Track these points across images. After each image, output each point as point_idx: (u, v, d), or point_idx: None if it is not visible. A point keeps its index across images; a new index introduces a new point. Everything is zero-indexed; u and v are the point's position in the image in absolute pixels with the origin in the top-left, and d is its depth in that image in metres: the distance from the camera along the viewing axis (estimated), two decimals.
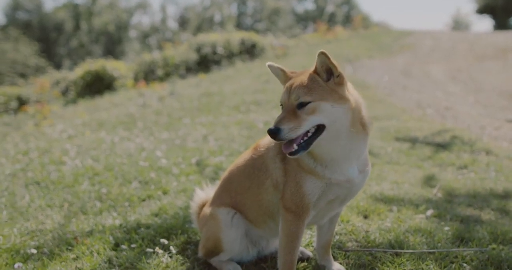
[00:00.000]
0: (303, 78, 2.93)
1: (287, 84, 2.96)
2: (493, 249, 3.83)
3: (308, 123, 2.80)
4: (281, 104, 2.92)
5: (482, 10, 54.61)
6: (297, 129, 2.77)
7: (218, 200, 3.60)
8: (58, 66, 44.66)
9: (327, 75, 2.91)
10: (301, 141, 2.82)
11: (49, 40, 54.99)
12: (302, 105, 2.82)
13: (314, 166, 3.01)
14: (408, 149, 7.41)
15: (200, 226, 3.73)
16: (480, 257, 3.66)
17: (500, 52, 21.63)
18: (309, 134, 2.83)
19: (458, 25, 72.16)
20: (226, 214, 3.45)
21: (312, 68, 2.95)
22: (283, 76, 3.07)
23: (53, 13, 59.29)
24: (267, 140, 3.35)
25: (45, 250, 4.10)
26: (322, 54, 2.83)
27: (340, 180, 3.01)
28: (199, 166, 6.46)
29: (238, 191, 3.47)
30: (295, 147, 2.80)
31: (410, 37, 27.14)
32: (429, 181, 5.85)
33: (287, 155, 2.83)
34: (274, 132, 2.74)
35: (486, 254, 3.70)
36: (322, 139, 2.86)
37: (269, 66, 3.08)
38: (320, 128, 2.83)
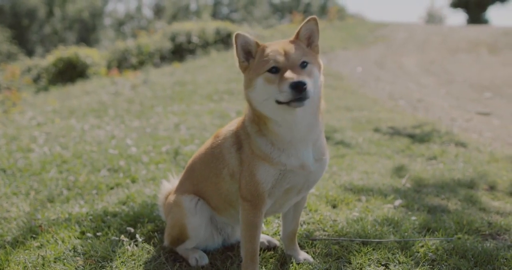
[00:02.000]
0: (289, 43, 2.93)
1: (273, 49, 2.89)
2: (459, 238, 3.87)
3: (312, 84, 2.79)
4: (274, 67, 2.81)
5: (456, 4, 55.14)
6: (312, 89, 2.76)
7: (181, 188, 3.58)
8: (30, 53, 43.95)
9: (307, 43, 2.97)
10: None
11: (21, 27, 53.92)
12: (303, 65, 2.82)
13: (270, 151, 2.99)
14: (379, 139, 7.45)
15: (165, 215, 3.71)
16: (446, 246, 3.69)
17: (472, 45, 21.88)
18: None
19: (432, 18, 72.68)
20: (189, 200, 3.43)
21: (292, 38, 2.98)
22: (255, 46, 2.97)
23: None
24: (225, 130, 3.34)
25: (9, 238, 4.02)
26: (313, 20, 2.94)
27: (294, 166, 3.00)
28: (170, 155, 6.41)
29: (199, 178, 3.46)
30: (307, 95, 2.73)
31: (385, 29, 27.31)
32: (398, 171, 5.89)
33: (297, 103, 2.73)
34: (303, 84, 2.67)
35: (452, 243, 3.73)
36: (297, 112, 2.84)
37: (238, 35, 2.95)
38: None
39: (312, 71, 2.86)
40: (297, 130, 2.93)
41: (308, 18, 2.97)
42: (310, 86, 2.72)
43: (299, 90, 2.67)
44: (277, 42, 3.00)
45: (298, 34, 2.99)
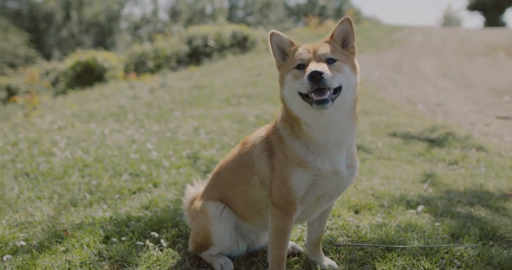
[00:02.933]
0: (321, 43, 2.99)
1: (303, 47, 2.95)
2: (483, 245, 3.85)
3: (337, 79, 2.80)
4: (301, 64, 2.86)
5: (473, 7, 54.72)
6: (333, 80, 2.77)
7: (207, 194, 3.59)
8: (48, 56, 44.33)
9: (342, 44, 3.01)
10: (330, 94, 2.77)
11: (39, 30, 54.47)
12: (329, 62, 2.85)
13: (305, 155, 3.00)
14: (399, 144, 7.42)
15: (190, 220, 3.72)
16: (471, 253, 3.67)
17: (490, 48, 21.71)
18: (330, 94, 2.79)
19: (449, 21, 72.31)
20: (215, 208, 3.44)
21: (327, 38, 3.02)
22: (289, 45, 3.02)
23: (43, 2, 58.62)
24: (254, 136, 3.35)
25: (34, 242, 4.07)
26: (347, 20, 2.97)
27: (328, 171, 3.00)
28: (190, 159, 6.43)
29: (226, 186, 3.46)
30: (328, 94, 2.74)
31: (401, 33, 27.17)
32: (420, 176, 5.87)
33: (318, 106, 2.74)
34: (320, 74, 2.68)
35: (477, 250, 3.71)
36: (328, 112, 2.86)
37: (273, 34, 3.01)
38: (336, 91, 2.83)
39: (341, 68, 2.86)
40: (331, 133, 2.94)
41: (341, 19, 3.01)
42: (329, 76, 2.73)
43: (315, 80, 2.69)
44: (313, 43, 3.04)
45: (332, 35, 3.03)
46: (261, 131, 3.32)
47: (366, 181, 5.58)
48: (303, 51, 2.91)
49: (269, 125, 3.29)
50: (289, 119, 3.03)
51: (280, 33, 3.02)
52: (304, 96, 2.82)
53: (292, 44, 3.02)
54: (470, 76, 16.09)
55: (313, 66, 2.74)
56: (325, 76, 2.69)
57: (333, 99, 2.78)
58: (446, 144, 7.47)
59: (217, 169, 3.63)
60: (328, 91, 2.74)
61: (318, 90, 2.72)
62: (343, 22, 2.99)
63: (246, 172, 3.29)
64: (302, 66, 2.86)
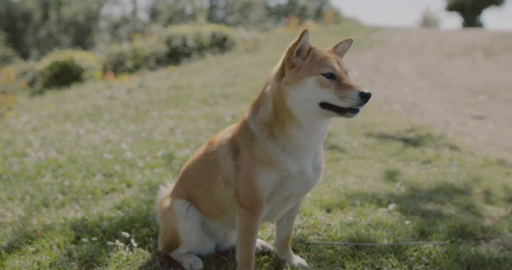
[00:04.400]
0: (334, 54, 3.08)
1: (327, 55, 2.97)
2: (452, 242, 3.90)
3: None
4: (330, 73, 2.88)
5: (451, 8, 55.32)
6: None
7: (175, 193, 3.60)
8: (25, 56, 43.87)
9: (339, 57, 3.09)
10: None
11: (16, 30, 53.83)
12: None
13: (278, 155, 3.01)
14: (374, 144, 7.48)
15: (160, 219, 3.72)
16: (439, 250, 3.72)
17: (468, 49, 21.97)
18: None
19: (428, 22, 72.97)
20: (181, 205, 3.45)
21: (330, 49, 3.12)
22: (309, 47, 2.99)
23: (21, 2, 58.07)
24: (220, 137, 3.35)
25: (4, 243, 4.02)
26: (351, 41, 3.17)
27: (296, 172, 3.02)
28: (165, 159, 6.42)
29: (192, 184, 3.47)
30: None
31: (380, 33, 27.39)
32: (393, 175, 5.92)
33: (352, 114, 2.85)
34: (370, 95, 2.78)
35: (445, 247, 3.76)
36: (324, 119, 2.96)
37: (306, 32, 2.95)
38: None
39: None
40: (314, 137, 2.99)
41: (348, 38, 3.16)
42: None
43: (366, 101, 2.78)
44: (325, 49, 3.08)
45: (336, 47, 3.13)
46: (227, 133, 3.32)
47: (339, 180, 5.62)
48: (331, 60, 2.94)
49: (234, 126, 3.28)
50: (272, 120, 3.02)
51: (309, 33, 3.00)
52: (324, 104, 2.86)
53: (310, 46, 3.00)
54: (448, 77, 16.27)
55: (360, 86, 2.83)
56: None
57: None
58: (421, 143, 7.54)
59: (184, 167, 3.64)
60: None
61: (356, 109, 2.85)
62: (348, 41, 3.15)
63: (211, 172, 3.29)
64: (330, 75, 2.87)
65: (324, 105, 2.85)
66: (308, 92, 2.87)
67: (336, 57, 2.99)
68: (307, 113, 2.90)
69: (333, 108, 2.84)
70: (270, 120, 3.03)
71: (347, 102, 2.79)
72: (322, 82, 2.85)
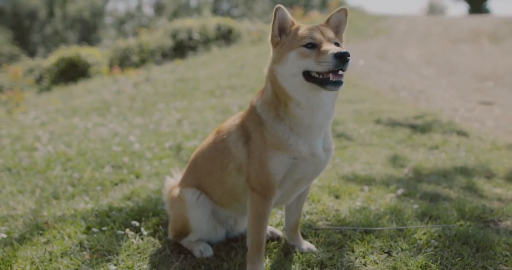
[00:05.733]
0: (323, 26, 3.06)
1: (309, 27, 2.99)
2: (461, 225, 3.90)
3: None
4: (310, 43, 2.88)
5: None
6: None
7: (184, 182, 3.61)
8: (32, 54, 43.92)
9: (334, 31, 3.07)
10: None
11: (22, 28, 53.93)
12: (336, 45, 2.94)
13: (288, 136, 3.02)
14: (381, 130, 7.48)
15: (169, 208, 3.75)
16: (448, 233, 3.72)
17: (474, 35, 21.83)
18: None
19: (434, 9, 72.49)
20: (191, 194, 3.46)
21: (323, 23, 3.11)
22: (291, 24, 3.03)
23: (27, 0, 58.18)
24: (228, 124, 3.36)
25: (16, 235, 4.06)
26: (344, 11, 3.11)
27: (307, 153, 3.02)
28: (173, 150, 6.45)
29: (202, 173, 3.48)
30: (343, 77, 2.81)
31: (386, 22, 27.24)
32: (400, 161, 5.92)
33: (333, 86, 2.79)
34: (348, 54, 2.73)
35: (454, 230, 3.76)
36: (322, 93, 2.92)
37: (279, 8, 2.99)
38: None
39: None
40: (318, 114, 2.98)
41: (339, 9, 3.11)
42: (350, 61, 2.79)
43: (344, 60, 2.73)
44: (312, 25, 3.07)
45: (328, 21, 3.11)
46: (235, 119, 3.33)
47: (347, 167, 5.63)
48: (311, 30, 2.94)
49: (243, 113, 3.30)
50: (275, 100, 3.04)
51: (285, 10, 3.02)
52: (308, 76, 2.86)
53: (293, 23, 3.04)
54: (454, 63, 16.19)
55: (336, 47, 2.81)
56: (350, 59, 2.75)
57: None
58: (428, 129, 7.53)
59: (193, 156, 3.65)
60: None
61: (335, 72, 2.78)
62: (340, 11, 3.10)
63: (222, 160, 3.30)
64: (311, 46, 2.88)
65: (308, 77, 2.86)
66: (292, 66, 2.90)
67: (321, 28, 2.99)
68: (297, 89, 2.92)
69: (316, 80, 2.83)
70: (273, 101, 3.05)
71: (324, 66, 2.77)
72: (303, 53, 2.87)
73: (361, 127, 7.67)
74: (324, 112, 3.00)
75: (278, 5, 3.01)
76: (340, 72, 2.78)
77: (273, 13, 3.00)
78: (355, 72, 13.65)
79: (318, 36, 2.91)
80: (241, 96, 10.37)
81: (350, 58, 2.76)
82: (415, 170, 5.56)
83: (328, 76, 2.79)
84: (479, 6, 52.03)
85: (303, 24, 3.07)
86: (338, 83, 2.78)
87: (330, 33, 2.98)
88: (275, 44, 3.05)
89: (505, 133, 7.59)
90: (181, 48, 21.32)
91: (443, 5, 74.68)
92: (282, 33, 3.03)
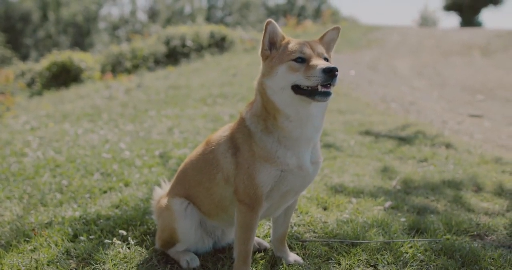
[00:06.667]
0: (314, 41, 3.10)
1: (299, 42, 3.02)
2: (447, 239, 3.93)
3: None
4: (300, 57, 2.92)
5: (449, 7, 55.35)
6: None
7: (173, 191, 3.62)
8: (24, 57, 43.85)
9: (325, 47, 3.12)
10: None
11: (15, 31, 53.80)
12: (326, 61, 2.97)
13: (276, 149, 3.04)
14: (371, 142, 7.51)
15: (157, 218, 3.75)
16: (434, 247, 3.75)
17: (465, 48, 22.00)
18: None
19: (426, 21, 72.89)
20: (179, 204, 3.47)
21: (317, 39, 3.16)
22: (281, 38, 3.07)
23: (20, 2, 57.98)
24: (218, 135, 3.38)
25: (2, 241, 4.04)
26: (338, 29, 3.16)
27: (295, 166, 3.05)
28: (163, 158, 6.45)
29: (191, 184, 3.49)
30: (332, 89, 2.85)
31: (378, 32, 27.41)
32: (389, 173, 5.95)
33: (322, 97, 2.83)
34: (337, 69, 2.78)
35: (440, 244, 3.79)
36: (311, 107, 2.95)
37: (270, 22, 3.03)
38: None
39: None
40: (307, 127, 3.01)
41: (334, 27, 3.17)
42: (339, 75, 2.83)
43: (332, 75, 2.77)
44: (303, 40, 3.11)
45: (322, 37, 3.17)
46: (225, 131, 3.36)
47: (336, 178, 5.65)
48: (301, 45, 2.98)
49: (233, 124, 3.33)
50: (264, 113, 3.07)
51: (276, 24, 3.06)
52: (297, 88, 2.88)
53: (283, 37, 3.08)
54: (445, 76, 16.30)
55: (325, 63, 2.85)
56: (338, 75, 2.80)
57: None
58: (417, 141, 7.57)
59: (182, 167, 3.66)
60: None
61: (325, 92, 2.83)
62: (335, 29, 3.16)
63: (210, 170, 3.32)
64: (301, 60, 2.92)
65: (297, 90, 2.89)
66: (281, 79, 2.93)
67: (311, 43, 3.03)
68: (286, 102, 2.95)
69: (305, 92, 2.86)
70: (262, 114, 3.08)
71: (313, 81, 2.81)
72: (292, 67, 2.92)
73: (351, 138, 7.70)
74: (312, 126, 3.03)
75: (269, 19, 3.04)
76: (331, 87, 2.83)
77: (264, 27, 3.03)
78: (346, 83, 13.70)
79: (307, 50, 2.94)
80: (232, 105, 10.39)
81: (339, 73, 2.80)
82: (404, 182, 5.59)
83: (317, 87, 2.82)
84: (471, 19, 52.48)
85: (293, 38, 3.10)
86: (327, 94, 2.82)
87: (321, 49, 3.02)
88: (265, 57, 3.08)
89: (494, 147, 7.64)
90: (174, 55, 21.37)
91: (435, 17, 75.06)
92: (273, 47, 3.06)
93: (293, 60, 2.92)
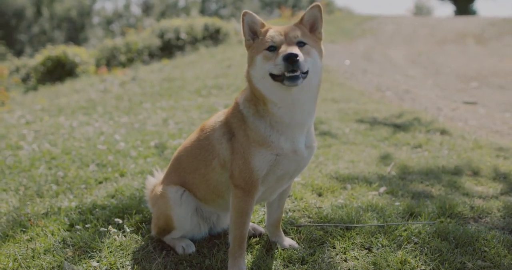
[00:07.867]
0: (291, 26, 3.07)
1: (274, 30, 3.02)
2: (441, 222, 3.95)
3: (307, 62, 2.89)
4: (271, 46, 2.94)
5: None
6: (304, 64, 2.85)
7: (167, 179, 3.62)
8: (19, 53, 43.69)
9: (310, 29, 3.09)
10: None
11: (9, 27, 53.58)
12: (300, 45, 2.94)
13: (269, 134, 3.06)
14: (366, 129, 7.53)
15: (152, 206, 3.76)
16: (428, 229, 3.77)
17: (460, 36, 22.01)
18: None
19: (420, 10, 72.89)
20: (175, 192, 3.48)
21: (297, 22, 3.11)
22: (261, 26, 3.08)
23: None
24: (212, 121, 3.39)
25: None
26: (317, 7, 3.08)
27: (289, 150, 3.07)
28: (158, 149, 6.46)
29: (186, 171, 3.50)
30: (299, 71, 2.82)
31: (373, 22, 27.38)
32: (384, 159, 5.97)
33: (290, 82, 2.82)
34: (295, 56, 2.77)
35: (434, 227, 3.81)
36: (295, 92, 2.94)
37: (246, 13, 3.06)
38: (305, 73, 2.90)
39: (310, 52, 2.97)
40: (296, 112, 3.02)
41: (312, 5, 3.11)
42: (303, 60, 2.82)
43: (291, 62, 2.77)
44: (282, 26, 3.11)
45: (302, 19, 3.12)
46: (219, 116, 3.37)
47: (331, 165, 5.67)
48: (274, 33, 2.98)
49: (227, 110, 3.34)
50: (254, 98, 3.09)
51: (253, 13, 3.07)
52: (275, 76, 2.89)
53: (263, 25, 3.09)
54: (440, 64, 16.33)
55: (287, 49, 2.83)
56: (300, 59, 2.79)
57: (303, 78, 2.87)
58: (412, 128, 7.60)
59: (176, 154, 3.67)
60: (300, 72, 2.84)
61: (291, 76, 2.81)
62: (313, 8, 3.09)
63: (206, 157, 3.33)
64: (273, 48, 2.93)
65: (274, 77, 2.90)
66: (260, 68, 2.96)
67: (287, 29, 3.02)
68: (269, 89, 2.97)
69: (279, 79, 2.88)
70: (253, 99, 3.10)
71: (278, 69, 2.84)
72: (266, 56, 2.94)
73: (346, 126, 7.72)
74: (302, 111, 3.04)
75: (245, 10, 3.07)
76: (298, 72, 2.82)
77: (241, 19, 3.06)
78: (340, 72, 13.71)
79: (278, 38, 2.95)
80: (227, 96, 10.40)
81: (301, 58, 2.80)
82: (398, 168, 5.61)
83: (284, 73, 2.83)
84: (465, 7, 52.42)
85: (272, 26, 3.11)
86: (294, 78, 2.81)
87: (294, 33, 2.99)
88: (248, 47, 3.11)
89: (488, 132, 7.68)
90: (168, 48, 21.33)
91: (429, 6, 75.08)
92: (255, 36, 3.09)
93: (266, 49, 2.95)
